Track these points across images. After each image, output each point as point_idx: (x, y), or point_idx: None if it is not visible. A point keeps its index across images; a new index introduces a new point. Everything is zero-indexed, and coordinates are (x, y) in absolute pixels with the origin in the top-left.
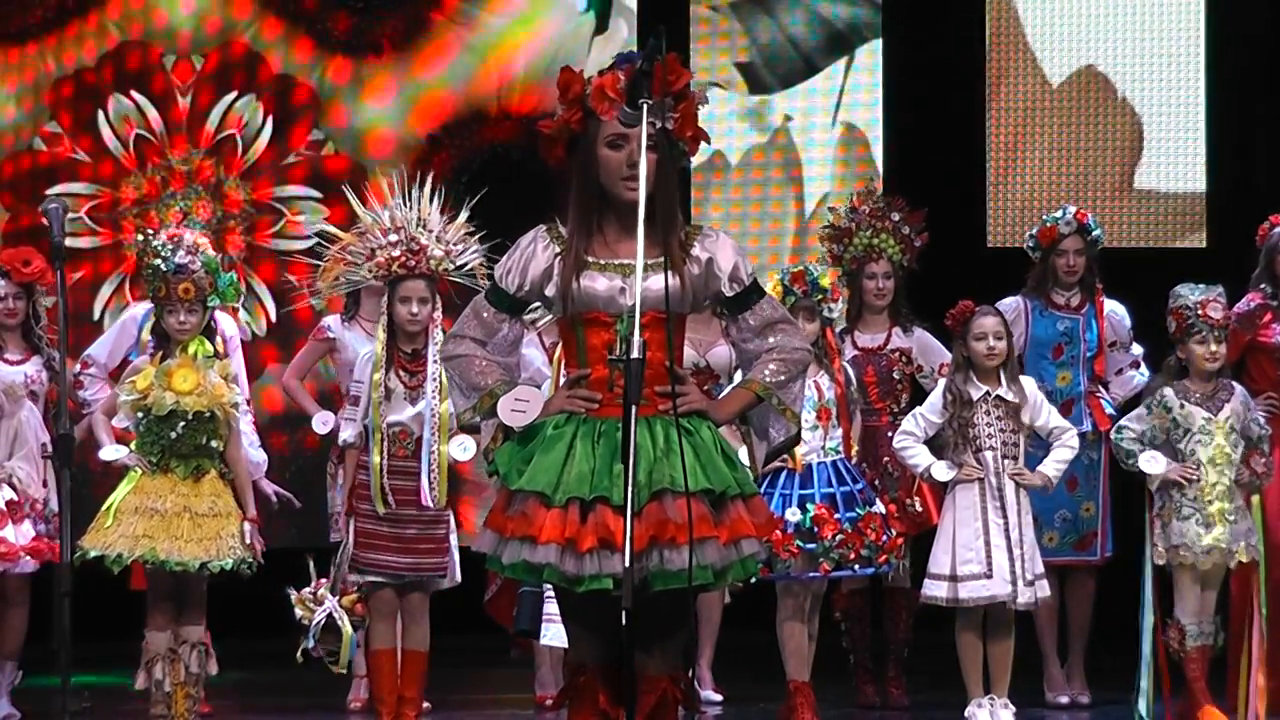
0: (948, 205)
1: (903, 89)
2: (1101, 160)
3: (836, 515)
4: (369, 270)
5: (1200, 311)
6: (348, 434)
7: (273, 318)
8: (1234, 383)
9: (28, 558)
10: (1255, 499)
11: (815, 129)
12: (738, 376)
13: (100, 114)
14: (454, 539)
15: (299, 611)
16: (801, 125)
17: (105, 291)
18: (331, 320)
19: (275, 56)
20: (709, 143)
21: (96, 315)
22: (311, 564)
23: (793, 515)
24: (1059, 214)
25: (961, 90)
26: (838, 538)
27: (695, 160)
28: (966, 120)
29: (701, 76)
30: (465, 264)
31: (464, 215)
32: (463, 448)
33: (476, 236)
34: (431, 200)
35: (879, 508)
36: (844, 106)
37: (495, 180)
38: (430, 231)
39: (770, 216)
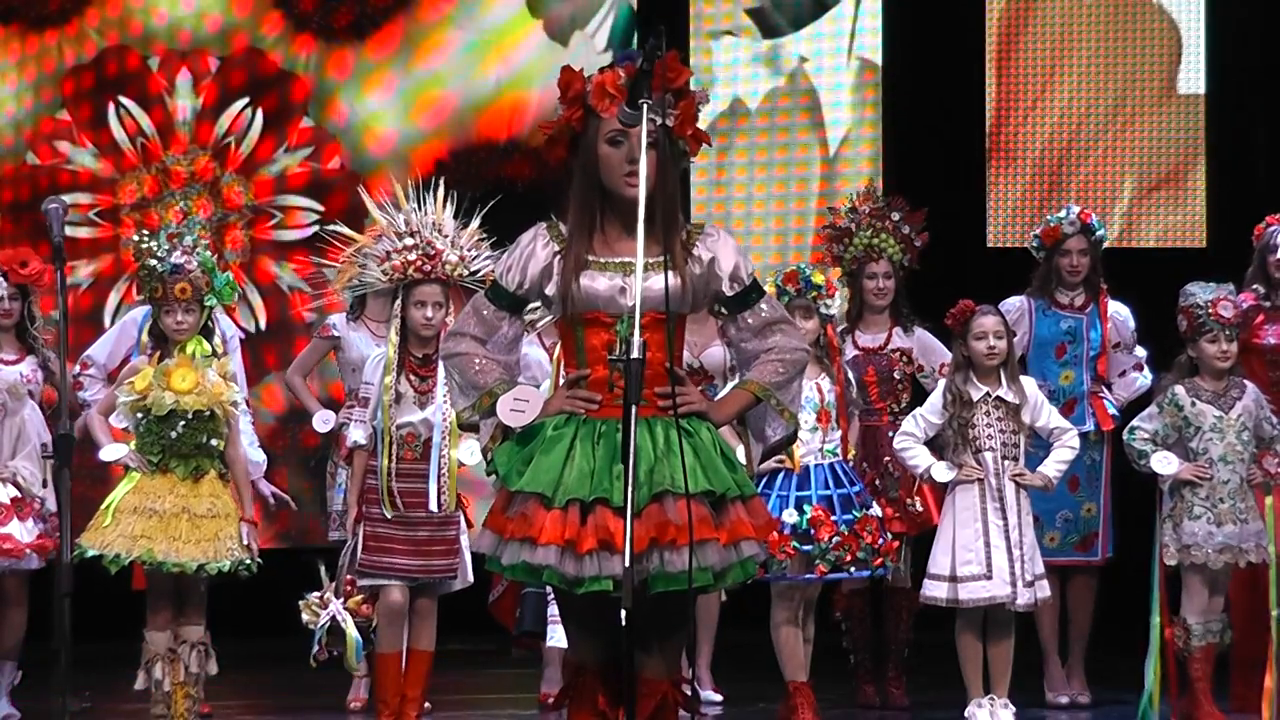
0: (949, 201)
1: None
2: (1142, 69)
3: (833, 517)
4: (383, 273)
5: (1211, 310)
6: (358, 436)
7: (262, 324)
8: (1246, 380)
9: (33, 554)
10: (1269, 501)
11: (830, 68)
12: (734, 376)
13: (111, 108)
14: (465, 540)
15: (305, 616)
16: (817, 65)
17: (115, 296)
18: (336, 319)
19: (276, 54)
20: (709, 144)
21: (108, 318)
22: (323, 569)
23: (789, 517)
24: (1062, 214)
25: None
26: (834, 540)
27: (716, 110)
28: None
29: (707, 25)
30: (479, 270)
31: (477, 222)
32: (471, 452)
33: (489, 243)
34: (445, 205)
35: (876, 510)
36: (857, 42)
37: (500, 210)
38: (445, 236)
39: (795, 160)
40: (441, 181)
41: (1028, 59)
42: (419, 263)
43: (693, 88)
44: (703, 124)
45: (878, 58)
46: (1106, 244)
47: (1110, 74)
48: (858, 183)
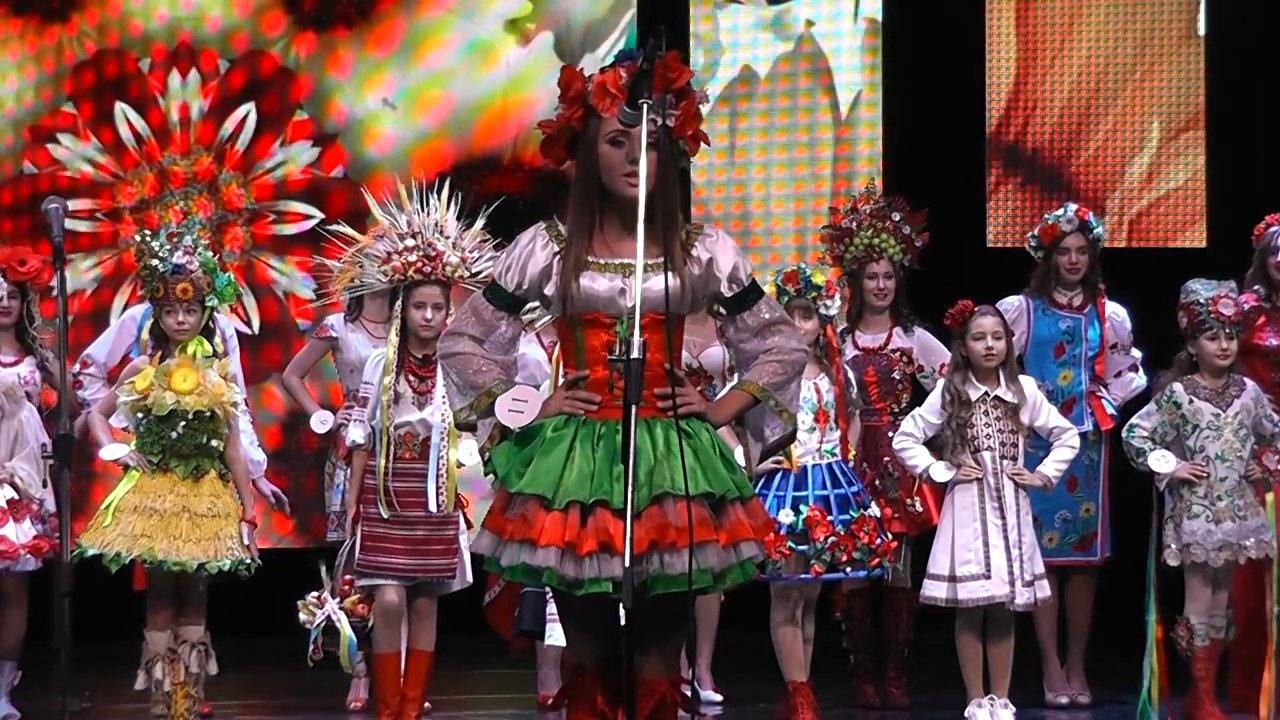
0: (949, 201)
1: None
2: (1164, 12)
3: (830, 518)
4: (383, 274)
5: (1212, 308)
6: (356, 435)
7: (255, 326)
8: (1245, 379)
9: (28, 556)
10: (1269, 497)
11: (838, 30)
12: (732, 377)
13: (112, 108)
14: (464, 540)
15: (303, 616)
16: (824, 27)
17: (120, 300)
18: (334, 319)
19: (276, 53)
20: (709, 143)
21: (113, 320)
22: (324, 570)
23: (785, 517)
24: (1060, 212)
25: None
26: (829, 540)
27: (726, 78)
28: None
29: None
30: (480, 271)
31: (480, 223)
32: (470, 453)
33: (492, 244)
34: (448, 206)
35: (874, 510)
36: (864, 1)
37: (501, 216)
38: (447, 238)
39: (806, 124)
40: (447, 182)
41: (1040, 23)
42: (419, 264)
43: (693, 87)
44: (714, 92)
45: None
46: (1107, 241)
47: (1130, 22)
48: (871, 137)
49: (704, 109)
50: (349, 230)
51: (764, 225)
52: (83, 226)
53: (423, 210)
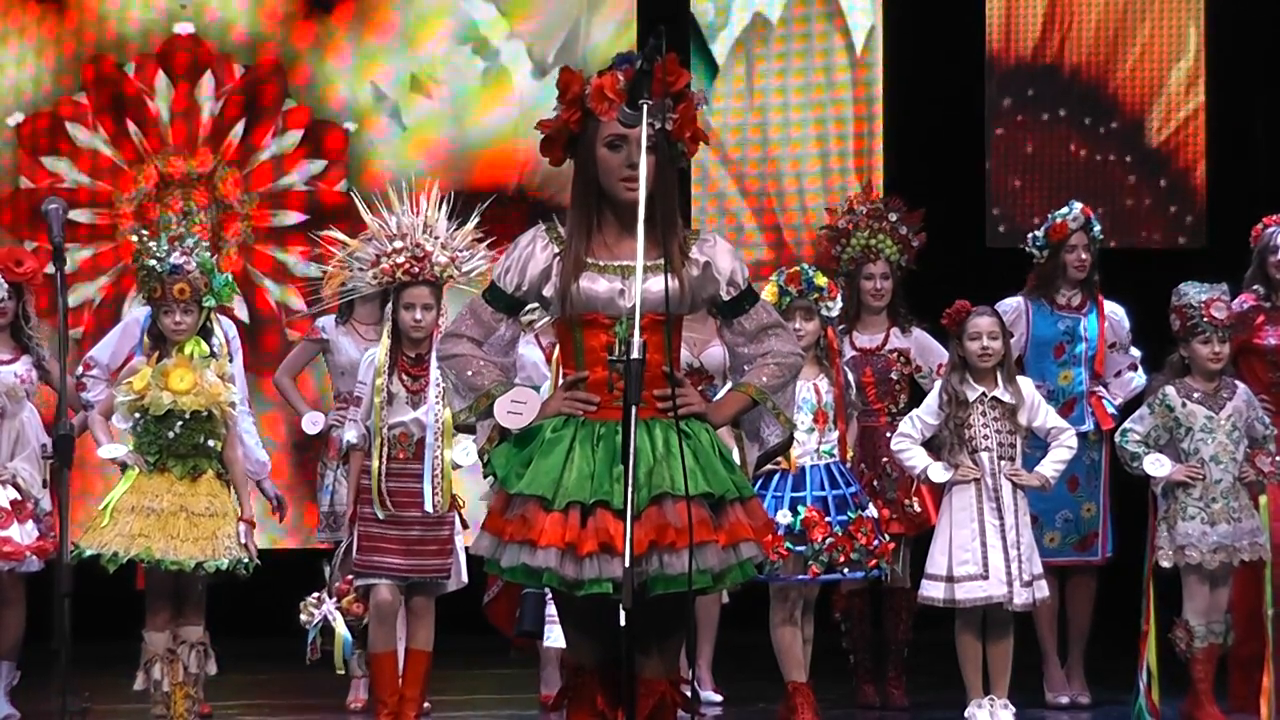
0: (949, 202)
1: None
2: None
3: (828, 518)
4: (373, 277)
5: (1204, 311)
6: (352, 436)
7: (245, 319)
8: (1237, 381)
9: (33, 557)
10: (1263, 500)
11: None
12: (734, 376)
13: (111, 106)
14: (459, 540)
15: (303, 617)
16: None
17: (126, 305)
18: (325, 321)
19: (274, 46)
20: (708, 143)
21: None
22: (327, 570)
23: (783, 517)
24: (1066, 210)
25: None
26: (827, 541)
27: (738, 27)
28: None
29: None
30: (471, 270)
31: (473, 222)
32: (465, 452)
33: (484, 243)
34: (439, 207)
35: (871, 512)
36: None
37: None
38: (435, 238)
39: (823, 65)
40: (436, 185)
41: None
42: (407, 265)
43: (692, 89)
44: (728, 41)
45: None
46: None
47: None
48: (867, 79)
49: (720, 59)
50: (339, 234)
51: (788, 168)
52: (83, 218)
53: (412, 211)
